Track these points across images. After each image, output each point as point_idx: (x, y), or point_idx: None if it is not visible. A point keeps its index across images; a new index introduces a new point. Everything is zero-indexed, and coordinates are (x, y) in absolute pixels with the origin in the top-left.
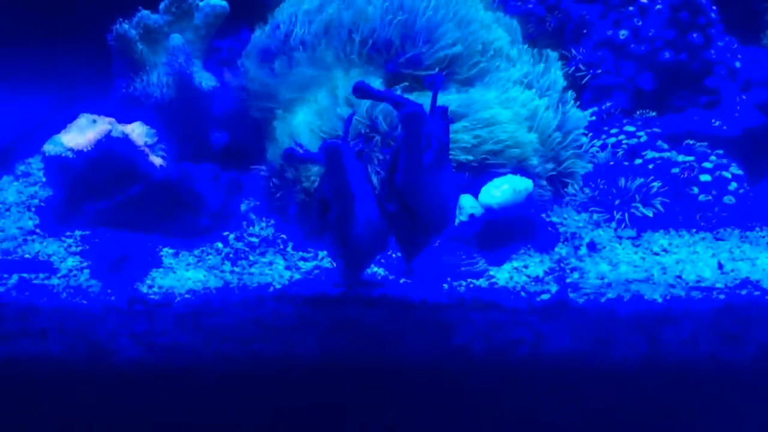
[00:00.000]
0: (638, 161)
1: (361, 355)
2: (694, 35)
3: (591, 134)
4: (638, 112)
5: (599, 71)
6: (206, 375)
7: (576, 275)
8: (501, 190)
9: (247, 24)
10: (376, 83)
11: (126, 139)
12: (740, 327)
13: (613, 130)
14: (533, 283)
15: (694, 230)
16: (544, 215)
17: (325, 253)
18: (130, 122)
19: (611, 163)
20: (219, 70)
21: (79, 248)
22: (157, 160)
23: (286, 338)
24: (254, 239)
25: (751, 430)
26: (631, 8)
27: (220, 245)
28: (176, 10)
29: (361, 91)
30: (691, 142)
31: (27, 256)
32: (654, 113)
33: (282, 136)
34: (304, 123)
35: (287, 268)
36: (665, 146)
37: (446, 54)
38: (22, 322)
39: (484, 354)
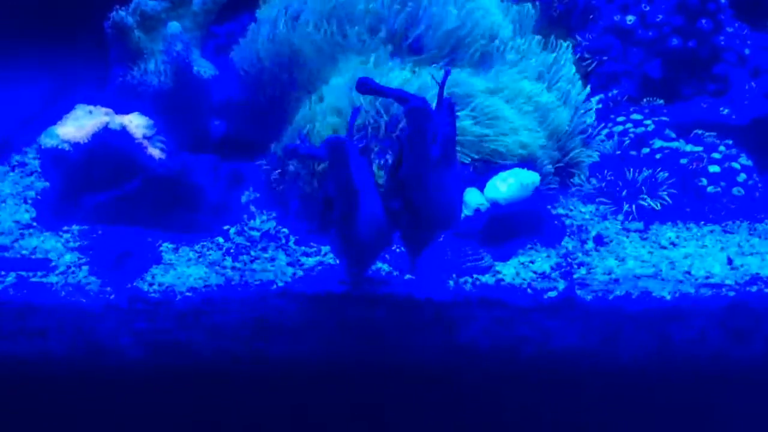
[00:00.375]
0: (645, 150)
1: (366, 353)
2: (704, 21)
3: (597, 122)
4: (645, 100)
5: (605, 58)
6: (208, 373)
7: (583, 270)
8: (507, 184)
9: (246, 8)
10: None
11: (124, 131)
12: (750, 324)
13: (620, 118)
14: (540, 280)
15: (703, 222)
16: (549, 206)
17: (327, 248)
18: (127, 112)
19: (618, 152)
20: (217, 57)
21: (78, 243)
22: (155, 152)
23: (289, 337)
24: (255, 233)
25: (760, 429)
26: None
27: (220, 240)
28: None
29: (365, 86)
30: (700, 132)
31: (24, 252)
32: (661, 101)
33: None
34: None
35: (290, 264)
36: (673, 135)
37: (449, 40)
38: (20, 321)
39: (489, 352)
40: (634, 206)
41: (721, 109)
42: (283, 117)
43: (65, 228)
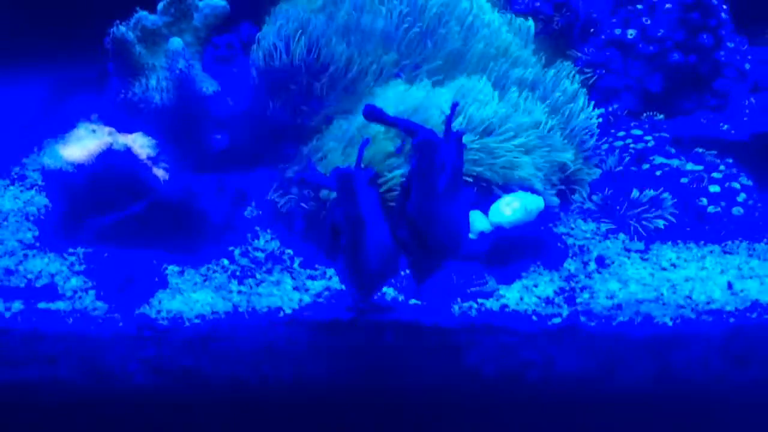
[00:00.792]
0: (645, 166)
1: (373, 380)
2: (705, 36)
3: (597, 137)
4: (645, 114)
5: (606, 71)
6: (215, 400)
7: (586, 295)
8: (512, 208)
9: (245, 18)
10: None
11: (128, 152)
12: (750, 351)
13: (620, 133)
14: (544, 305)
15: (702, 242)
16: (551, 224)
17: (332, 271)
18: (129, 129)
19: (619, 168)
20: (217, 68)
21: (83, 267)
22: (160, 173)
23: (297, 364)
24: (260, 254)
25: None
26: (639, 6)
27: (225, 262)
28: (175, 11)
29: (372, 115)
30: (701, 150)
31: (30, 276)
32: (662, 116)
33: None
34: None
35: (296, 288)
36: (673, 151)
37: (450, 55)
38: (28, 348)
39: (494, 377)
40: (634, 227)
41: (721, 124)
42: (288, 132)
43: (70, 250)
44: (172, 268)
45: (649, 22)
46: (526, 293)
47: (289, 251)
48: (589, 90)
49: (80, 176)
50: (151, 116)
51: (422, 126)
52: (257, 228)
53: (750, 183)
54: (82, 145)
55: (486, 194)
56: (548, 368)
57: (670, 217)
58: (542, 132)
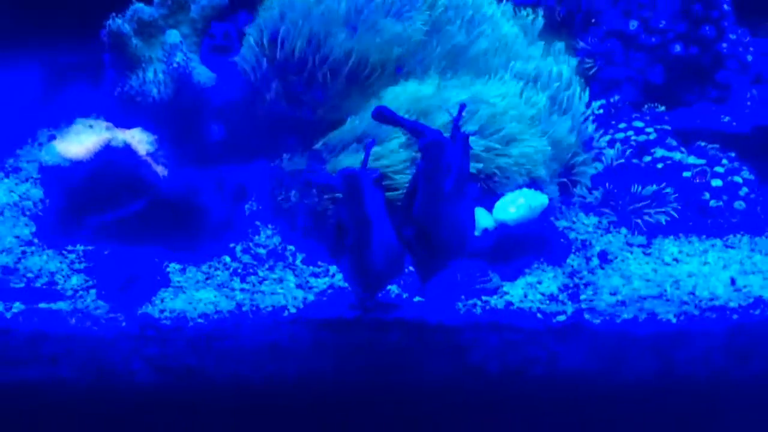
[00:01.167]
0: (647, 158)
1: (378, 378)
2: (707, 28)
3: (598, 129)
4: (646, 106)
5: (607, 62)
6: (219, 399)
7: (590, 291)
8: (517, 206)
9: (242, 7)
10: None
11: (127, 149)
12: (753, 347)
13: (622, 125)
14: (548, 302)
15: (704, 236)
16: (552, 218)
17: (335, 268)
18: (126, 123)
19: (620, 161)
20: (213, 58)
21: (84, 265)
22: (160, 170)
23: (301, 363)
24: (261, 250)
25: None
26: None
27: (227, 259)
28: (172, 3)
29: (381, 115)
30: (703, 144)
31: (30, 275)
32: (663, 107)
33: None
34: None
35: (299, 286)
36: (674, 143)
37: (451, 47)
38: (30, 349)
39: (498, 374)
40: (636, 221)
41: (723, 117)
42: (287, 124)
43: (69, 247)
44: (173, 266)
45: (651, 13)
46: (530, 290)
47: (291, 248)
48: (591, 81)
49: (79, 173)
50: (149, 110)
51: (429, 127)
52: (257, 223)
53: (752, 177)
54: (79, 141)
55: (489, 191)
56: (552, 365)
57: (672, 213)
58: (545, 121)
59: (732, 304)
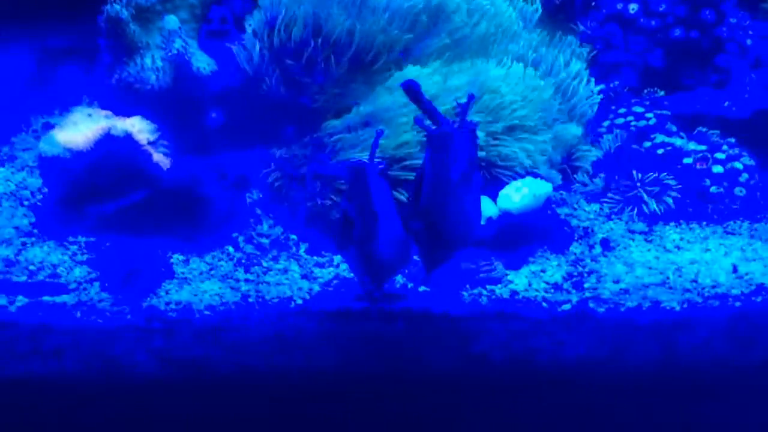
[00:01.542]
0: (647, 144)
1: (384, 368)
2: (707, 12)
3: (598, 113)
4: (646, 91)
5: (606, 46)
6: (226, 390)
7: (593, 279)
8: (521, 194)
9: None
10: None
11: (128, 138)
12: (756, 335)
13: (621, 110)
14: (552, 291)
15: (705, 223)
16: (554, 205)
17: (340, 258)
18: (124, 110)
19: (617, 144)
20: (210, 44)
21: (86, 256)
22: (161, 158)
23: (307, 353)
24: (264, 240)
25: None
26: None
27: (231, 249)
28: None
29: (411, 92)
30: (704, 129)
31: (32, 267)
32: (662, 92)
33: None
34: None
35: (304, 276)
36: (674, 129)
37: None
38: (35, 342)
39: (503, 362)
40: (637, 208)
41: (723, 102)
42: (288, 110)
43: (71, 239)
44: (177, 257)
45: None
46: (534, 279)
47: (294, 237)
48: (590, 65)
49: (78, 163)
50: (147, 97)
51: (445, 117)
52: (259, 212)
53: (752, 162)
54: (79, 130)
55: (492, 179)
56: (557, 354)
57: (671, 202)
58: (549, 109)
59: (734, 292)
